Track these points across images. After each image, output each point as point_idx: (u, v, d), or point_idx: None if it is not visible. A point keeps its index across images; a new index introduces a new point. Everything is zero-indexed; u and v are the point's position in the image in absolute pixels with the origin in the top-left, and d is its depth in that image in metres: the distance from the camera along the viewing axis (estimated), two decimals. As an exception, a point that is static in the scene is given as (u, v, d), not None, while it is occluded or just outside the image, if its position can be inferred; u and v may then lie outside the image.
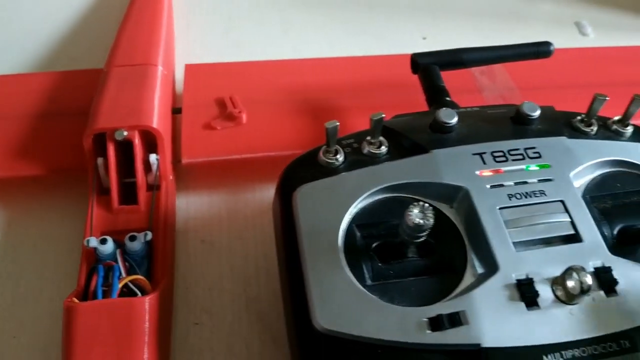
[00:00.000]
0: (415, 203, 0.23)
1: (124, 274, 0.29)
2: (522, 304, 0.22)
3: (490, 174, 0.26)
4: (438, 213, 0.26)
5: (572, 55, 0.48)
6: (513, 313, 0.22)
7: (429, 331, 0.22)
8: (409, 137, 0.28)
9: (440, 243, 0.25)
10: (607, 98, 0.28)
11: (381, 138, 0.28)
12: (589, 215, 0.25)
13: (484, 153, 0.27)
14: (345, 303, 0.23)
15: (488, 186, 0.26)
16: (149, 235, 0.30)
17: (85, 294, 0.28)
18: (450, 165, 0.26)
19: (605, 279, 0.23)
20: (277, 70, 0.42)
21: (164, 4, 0.46)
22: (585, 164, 0.27)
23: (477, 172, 0.26)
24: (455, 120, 0.28)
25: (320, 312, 0.22)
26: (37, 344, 0.30)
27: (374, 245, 0.25)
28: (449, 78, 0.38)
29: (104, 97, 0.35)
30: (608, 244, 0.25)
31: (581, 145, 0.28)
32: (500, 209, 0.25)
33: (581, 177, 0.27)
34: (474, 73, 0.43)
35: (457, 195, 0.26)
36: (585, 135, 0.29)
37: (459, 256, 0.25)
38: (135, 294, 0.28)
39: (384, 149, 0.27)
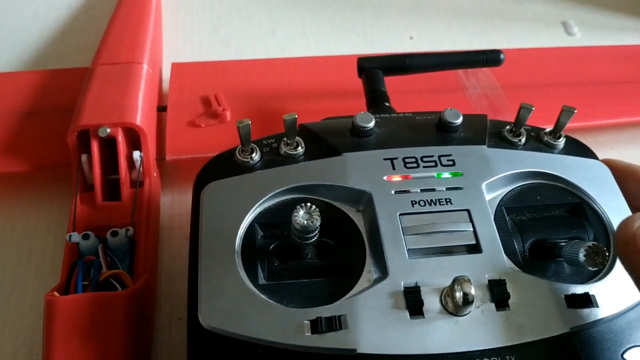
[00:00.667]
0: (302, 204, 0.23)
1: (105, 269, 0.29)
2: (406, 312, 0.22)
3: (399, 179, 0.26)
4: (342, 216, 0.26)
5: (557, 54, 0.47)
6: (395, 320, 0.22)
7: (308, 334, 0.21)
8: (325, 140, 0.27)
9: (341, 246, 0.25)
10: (533, 108, 0.27)
11: (298, 139, 0.27)
12: (494, 227, 0.24)
13: (396, 158, 0.26)
14: (232, 302, 0.23)
15: (392, 192, 0.25)
16: (131, 231, 0.31)
17: (67, 288, 0.28)
18: (358, 169, 0.26)
19: (496, 292, 0.22)
20: (262, 69, 0.43)
21: (152, 3, 0.47)
22: (501, 174, 0.26)
23: (385, 177, 0.26)
24: (372, 124, 0.27)
25: (206, 309, 0.22)
26: (22, 338, 0.31)
27: (273, 244, 0.25)
28: (433, 77, 0.38)
29: (88, 95, 0.35)
30: (515, 257, 0.24)
31: (501, 155, 0.27)
32: (400, 215, 0.24)
33: (497, 187, 0.26)
34: (458, 72, 0.42)
35: (362, 199, 0.25)
36: (511, 146, 0.28)
37: (358, 260, 0.24)
38: (115, 289, 0.28)
39: (300, 150, 0.27)
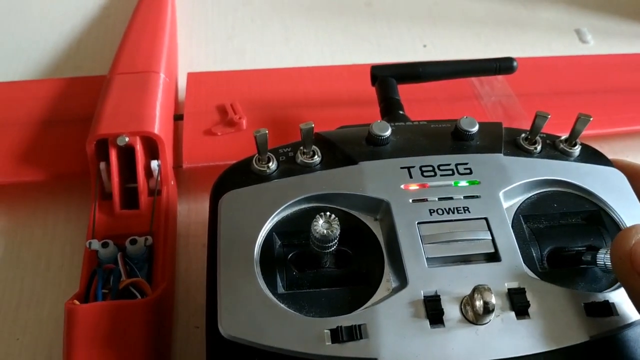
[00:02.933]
0: (322, 213, 0.23)
1: (124, 277, 0.29)
2: (427, 321, 0.22)
3: (416, 188, 0.26)
4: (360, 225, 0.26)
5: (572, 62, 0.47)
6: (415, 329, 0.22)
7: (328, 343, 0.22)
8: (341, 148, 0.28)
9: (360, 255, 0.25)
10: (549, 116, 0.27)
11: (315, 148, 0.28)
12: (512, 235, 0.24)
13: (413, 167, 0.26)
14: (251, 311, 0.23)
15: (410, 200, 0.25)
16: (150, 240, 0.31)
17: (87, 296, 0.29)
18: (375, 177, 0.26)
19: (516, 301, 0.22)
20: (278, 78, 0.43)
21: (167, 13, 0.48)
22: (518, 182, 0.26)
23: (402, 186, 0.26)
24: (388, 132, 0.27)
25: (226, 318, 0.23)
26: (41, 346, 0.31)
27: (291, 253, 0.25)
28: (447, 85, 0.38)
29: (106, 104, 0.36)
30: (533, 265, 0.24)
31: (517, 163, 0.27)
32: (419, 223, 0.24)
33: (514, 195, 0.26)
34: (472, 80, 0.42)
35: (380, 208, 0.25)
36: (526, 154, 0.28)
37: (377, 269, 0.24)
38: (135, 297, 0.29)
39: (317, 158, 0.27)
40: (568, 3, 0.57)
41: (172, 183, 0.36)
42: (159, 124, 0.35)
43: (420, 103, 0.39)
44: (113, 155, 0.33)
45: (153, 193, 0.34)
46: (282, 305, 0.23)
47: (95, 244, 0.30)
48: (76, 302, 0.28)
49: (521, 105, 0.41)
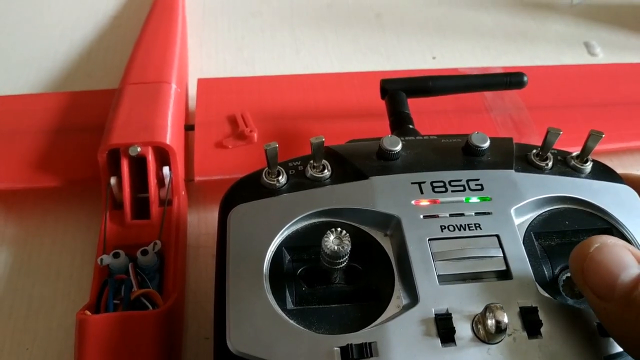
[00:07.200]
0: (333, 229, 0.23)
1: (135, 288, 0.30)
2: (438, 340, 0.22)
3: (427, 204, 0.26)
4: (370, 240, 0.26)
5: (582, 72, 0.47)
6: (426, 348, 0.22)
7: (338, 361, 0.21)
8: (351, 163, 0.28)
9: (370, 271, 0.25)
10: (560, 132, 0.27)
11: (325, 162, 0.28)
12: (524, 252, 0.24)
13: (423, 182, 0.26)
14: (260, 326, 0.23)
15: (421, 216, 0.25)
16: (158, 245, 0.31)
17: (98, 307, 0.29)
18: (386, 193, 0.26)
19: (529, 320, 0.22)
20: (288, 85, 0.43)
21: (178, 23, 0.48)
22: (529, 199, 0.26)
23: (413, 202, 0.26)
24: (399, 147, 0.27)
25: (235, 334, 0.22)
26: (50, 356, 0.31)
27: (301, 268, 0.25)
28: (457, 97, 0.38)
29: (118, 114, 0.36)
30: (545, 282, 0.24)
31: (529, 180, 0.27)
32: (430, 240, 0.24)
33: (526, 212, 0.26)
34: (483, 92, 0.42)
35: (390, 224, 0.25)
36: (538, 170, 0.28)
37: (387, 285, 0.24)
38: (146, 308, 0.29)
39: (327, 172, 0.27)
40: (576, 15, 0.57)
41: (183, 193, 0.36)
42: (170, 135, 0.35)
43: (430, 115, 0.39)
44: (125, 165, 0.33)
45: (163, 203, 0.34)
46: (292, 322, 0.23)
47: (107, 259, 0.30)
48: (87, 312, 0.28)
49: (531, 118, 0.41)
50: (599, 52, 0.52)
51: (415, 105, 0.35)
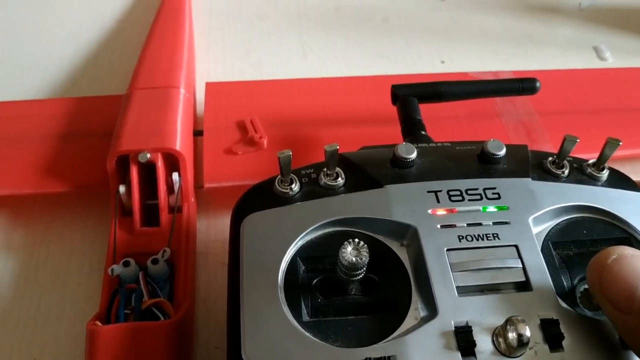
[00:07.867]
0: (350, 240, 0.22)
1: (146, 297, 0.29)
2: (458, 353, 0.21)
3: (444, 213, 0.25)
4: (386, 251, 0.25)
5: (593, 76, 0.47)
6: (446, 362, 0.21)
7: (356, 375, 0.21)
8: (366, 171, 0.27)
9: (386, 282, 0.25)
10: (577, 140, 0.27)
11: (338, 170, 0.27)
12: (543, 263, 0.24)
13: (440, 191, 0.26)
14: (276, 339, 0.22)
15: (438, 226, 0.25)
16: (168, 252, 0.30)
17: (108, 317, 0.28)
18: (402, 202, 0.26)
19: (550, 332, 0.22)
20: (297, 89, 0.43)
21: (185, 27, 0.47)
22: (547, 208, 0.26)
23: (430, 211, 0.25)
24: (414, 155, 0.27)
25: (250, 346, 0.22)
26: None
27: (316, 279, 0.25)
28: (468, 102, 0.38)
29: (126, 120, 0.35)
30: (564, 294, 0.24)
31: (546, 188, 0.27)
32: (448, 250, 0.24)
33: (543, 221, 0.26)
34: (494, 97, 0.42)
35: (407, 233, 0.25)
36: (554, 178, 0.28)
37: (404, 297, 0.24)
38: (157, 317, 0.28)
39: (340, 181, 0.27)
40: (585, 20, 0.56)
41: (192, 200, 0.36)
42: (180, 140, 0.34)
43: (441, 120, 0.39)
44: (134, 171, 0.33)
45: (173, 210, 0.34)
46: (308, 334, 0.22)
47: (118, 269, 0.29)
48: (98, 323, 0.27)
49: (542, 123, 0.40)
50: (608, 56, 0.52)
51: (425, 110, 0.35)
